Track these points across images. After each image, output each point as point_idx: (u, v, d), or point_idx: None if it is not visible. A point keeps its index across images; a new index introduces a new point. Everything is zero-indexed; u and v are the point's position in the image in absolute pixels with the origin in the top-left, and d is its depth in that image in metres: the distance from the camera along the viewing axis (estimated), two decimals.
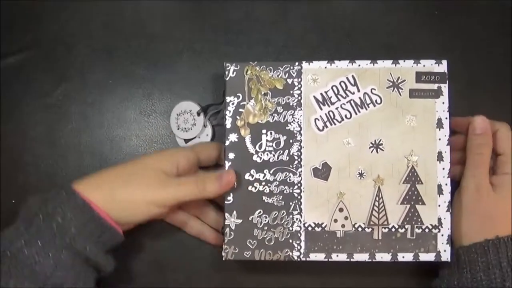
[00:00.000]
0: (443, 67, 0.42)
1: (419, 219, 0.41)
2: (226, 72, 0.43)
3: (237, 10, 0.51)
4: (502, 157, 0.42)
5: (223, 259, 0.42)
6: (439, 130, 0.42)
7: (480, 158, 0.41)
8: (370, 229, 0.41)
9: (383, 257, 0.41)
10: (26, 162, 0.51)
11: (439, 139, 0.41)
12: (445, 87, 0.42)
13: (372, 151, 0.42)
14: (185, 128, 0.48)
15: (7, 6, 0.52)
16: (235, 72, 0.43)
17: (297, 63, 0.43)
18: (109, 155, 0.51)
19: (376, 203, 0.41)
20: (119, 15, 0.52)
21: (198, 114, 0.48)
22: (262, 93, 0.42)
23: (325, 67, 0.42)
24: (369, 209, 0.42)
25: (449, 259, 0.41)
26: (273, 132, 0.42)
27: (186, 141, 0.48)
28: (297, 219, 0.42)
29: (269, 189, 0.42)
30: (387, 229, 0.41)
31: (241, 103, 0.43)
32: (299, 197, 0.42)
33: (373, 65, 0.42)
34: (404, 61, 0.42)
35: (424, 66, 0.42)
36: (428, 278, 0.44)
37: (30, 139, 0.51)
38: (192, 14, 0.52)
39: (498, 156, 0.42)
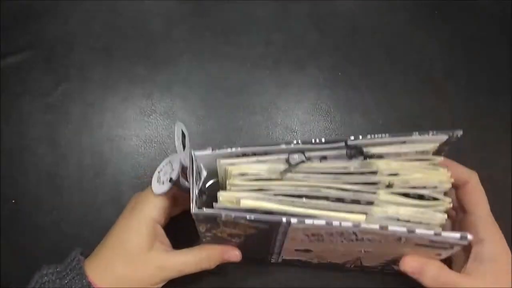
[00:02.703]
0: (465, 242, 0.32)
1: None
2: (193, 214, 0.33)
3: (237, 10, 0.51)
4: (471, 217, 0.37)
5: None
6: None
7: (444, 279, 0.35)
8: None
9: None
10: (26, 162, 0.51)
11: None
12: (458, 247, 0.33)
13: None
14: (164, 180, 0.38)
15: (7, 6, 0.52)
16: (204, 215, 0.33)
17: (284, 220, 0.31)
18: (109, 155, 0.51)
19: None
20: (119, 15, 0.52)
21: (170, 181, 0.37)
22: (237, 232, 0.35)
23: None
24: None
25: None
26: (253, 238, 0.35)
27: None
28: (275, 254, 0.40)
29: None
30: None
31: (211, 229, 0.35)
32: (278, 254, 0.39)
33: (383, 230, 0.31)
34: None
35: (444, 238, 0.32)
36: None
37: (30, 139, 0.51)
38: (192, 14, 0.52)
39: (465, 214, 0.37)
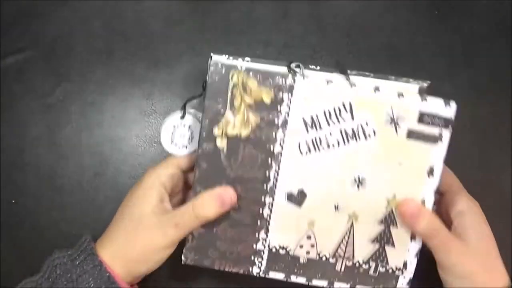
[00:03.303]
0: (450, 111, 0.37)
1: (385, 259, 0.40)
2: (209, 73, 0.37)
3: (237, 10, 0.51)
4: (448, 195, 0.40)
5: (182, 263, 0.41)
6: (429, 177, 0.38)
7: (440, 237, 0.38)
8: (334, 260, 0.40)
9: (341, 286, 0.40)
10: (26, 162, 0.51)
11: (426, 188, 0.38)
12: (446, 134, 0.37)
13: (353, 186, 0.39)
14: (189, 140, 0.43)
15: (7, 6, 0.52)
16: (218, 76, 0.37)
17: (290, 76, 0.37)
18: (109, 155, 0.51)
19: (346, 237, 0.40)
20: (119, 15, 0.52)
21: (182, 117, 0.43)
22: (246, 103, 0.38)
23: (321, 87, 0.37)
24: (338, 242, 0.40)
25: None
26: (251, 148, 0.38)
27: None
28: (262, 238, 0.40)
29: (239, 205, 0.40)
30: (351, 263, 0.40)
31: (221, 110, 0.38)
32: (268, 218, 0.40)
33: (375, 92, 0.37)
34: (410, 95, 0.37)
35: (430, 105, 0.37)
36: None
37: (30, 139, 0.51)
38: (192, 14, 0.52)
39: (442, 196, 0.40)
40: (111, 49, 0.51)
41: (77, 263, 0.38)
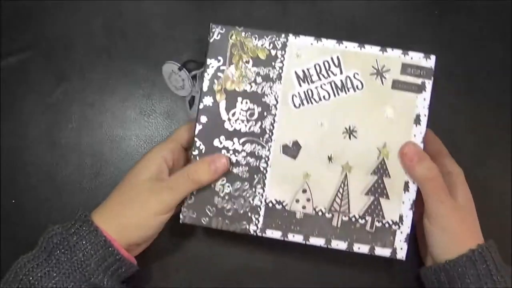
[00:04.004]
0: (430, 62, 0.41)
1: (381, 213, 0.41)
2: (211, 34, 0.41)
3: (237, 10, 0.51)
4: (439, 156, 0.42)
5: (180, 221, 0.42)
6: (416, 126, 0.40)
7: (436, 183, 0.39)
8: (330, 215, 0.41)
9: (339, 244, 0.41)
10: (26, 162, 0.51)
11: (414, 135, 0.40)
12: (429, 83, 0.40)
13: (344, 137, 0.41)
14: (181, 87, 0.48)
15: (7, 6, 0.52)
16: (219, 35, 0.41)
17: (283, 35, 0.41)
18: (109, 155, 0.51)
19: (341, 190, 0.41)
20: (119, 15, 0.52)
21: (180, 69, 0.48)
22: (244, 60, 0.41)
23: (311, 44, 0.41)
24: (333, 195, 0.41)
25: (404, 258, 0.40)
26: (248, 102, 0.41)
27: (188, 101, 0.50)
28: (259, 193, 0.41)
29: (236, 159, 0.41)
30: (347, 218, 0.41)
31: (221, 68, 0.41)
32: (264, 171, 0.41)
33: (360, 49, 0.41)
34: (393, 49, 0.41)
35: (412, 58, 0.41)
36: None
37: (30, 139, 0.51)
38: (192, 14, 0.52)
39: (445, 176, 0.41)
40: (111, 49, 0.52)
41: (73, 231, 0.38)
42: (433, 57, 0.41)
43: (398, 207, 0.41)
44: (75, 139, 0.51)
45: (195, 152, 0.41)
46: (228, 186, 0.41)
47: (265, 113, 0.41)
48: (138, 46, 0.51)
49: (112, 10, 0.52)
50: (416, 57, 0.41)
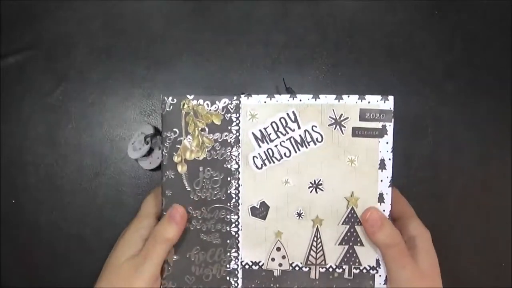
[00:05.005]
0: (389, 104, 0.39)
1: (357, 260, 0.41)
2: (163, 106, 0.41)
3: (237, 10, 0.51)
4: (401, 219, 0.41)
5: None
6: (382, 171, 0.40)
7: (398, 248, 0.39)
8: (307, 269, 0.41)
9: None
10: (26, 162, 0.51)
11: (381, 181, 0.40)
12: (390, 126, 0.40)
13: (311, 191, 0.40)
14: (139, 148, 0.49)
15: (7, 6, 0.52)
16: (171, 106, 0.41)
17: (235, 97, 0.40)
18: (109, 155, 0.51)
19: (314, 243, 0.41)
20: (119, 15, 0.52)
21: (146, 142, 0.49)
22: (199, 128, 0.41)
23: (265, 102, 0.40)
24: (307, 249, 0.41)
25: None
26: (210, 170, 0.41)
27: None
28: (234, 257, 0.41)
29: (206, 227, 0.41)
30: (324, 269, 0.41)
31: (178, 139, 0.41)
32: (236, 235, 0.41)
33: (315, 100, 0.40)
34: (348, 96, 0.40)
35: (369, 102, 0.39)
36: None
37: (30, 139, 0.51)
38: (192, 14, 0.52)
39: (395, 221, 0.41)
40: (111, 49, 0.52)
41: None
42: (391, 98, 0.39)
43: (374, 252, 0.40)
44: (75, 139, 0.51)
45: None
46: (203, 254, 0.41)
47: (228, 178, 0.41)
48: (138, 46, 0.51)
49: (112, 10, 0.52)
50: (373, 101, 0.40)
